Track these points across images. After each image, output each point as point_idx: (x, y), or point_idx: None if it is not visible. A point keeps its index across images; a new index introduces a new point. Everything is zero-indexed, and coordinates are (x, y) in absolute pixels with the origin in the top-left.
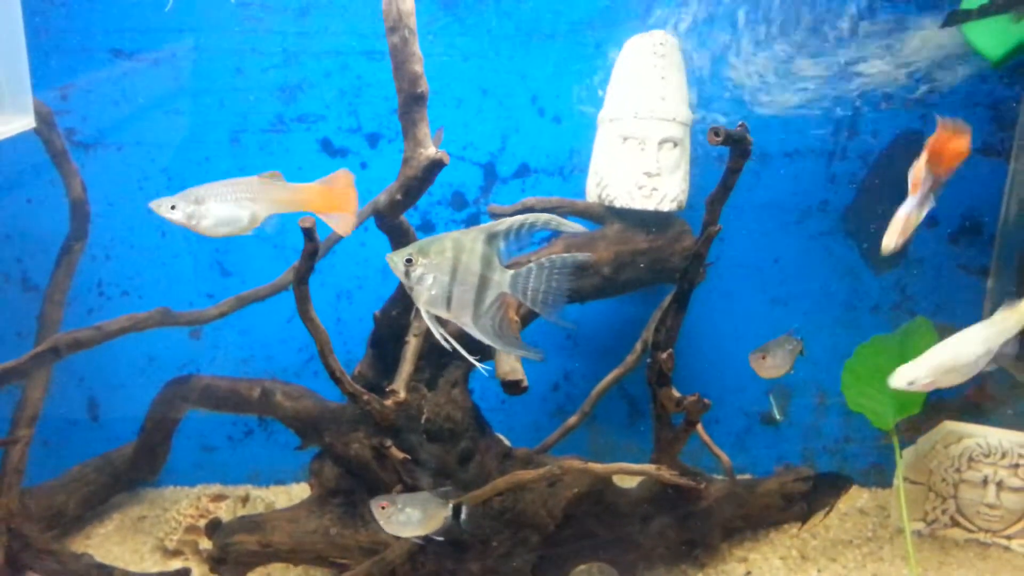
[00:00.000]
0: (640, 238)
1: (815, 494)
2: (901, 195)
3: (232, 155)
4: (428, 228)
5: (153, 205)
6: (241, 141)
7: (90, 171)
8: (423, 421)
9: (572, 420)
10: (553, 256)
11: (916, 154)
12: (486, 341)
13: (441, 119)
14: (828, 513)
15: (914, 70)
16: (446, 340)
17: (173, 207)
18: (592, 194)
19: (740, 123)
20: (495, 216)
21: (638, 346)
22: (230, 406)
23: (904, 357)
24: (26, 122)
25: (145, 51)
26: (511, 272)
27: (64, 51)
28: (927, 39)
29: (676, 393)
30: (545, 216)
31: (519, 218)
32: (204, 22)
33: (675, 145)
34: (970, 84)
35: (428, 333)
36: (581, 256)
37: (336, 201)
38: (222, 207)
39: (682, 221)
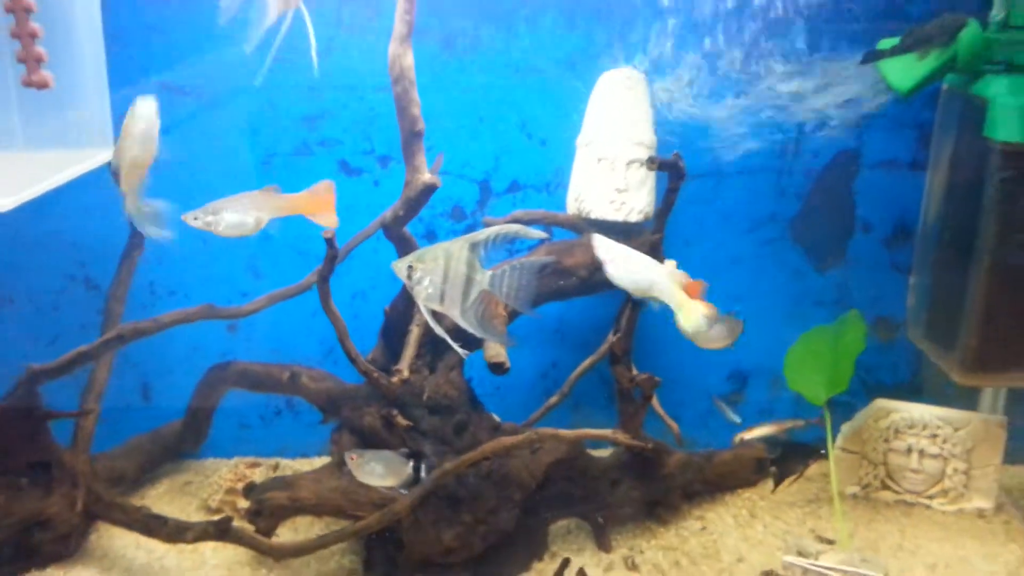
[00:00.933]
0: None
1: (785, 461)
2: (839, 206)
3: (264, 174)
4: (431, 236)
5: (184, 217)
6: (272, 163)
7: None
8: (424, 398)
9: (553, 399)
10: (523, 260)
11: (852, 171)
12: (471, 330)
13: (442, 143)
14: (797, 479)
15: (849, 97)
16: (439, 330)
17: (195, 218)
18: (571, 207)
19: (675, 152)
20: (489, 226)
21: (611, 336)
22: (264, 387)
23: (837, 345)
24: (109, 153)
25: (192, 87)
26: (491, 273)
27: (122, 84)
28: (860, 70)
29: (632, 371)
30: (514, 227)
31: (494, 229)
32: (242, 63)
33: (641, 165)
34: (898, 108)
35: (428, 325)
36: (544, 259)
37: (319, 205)
38: (233, 215)
39: (647, 230)
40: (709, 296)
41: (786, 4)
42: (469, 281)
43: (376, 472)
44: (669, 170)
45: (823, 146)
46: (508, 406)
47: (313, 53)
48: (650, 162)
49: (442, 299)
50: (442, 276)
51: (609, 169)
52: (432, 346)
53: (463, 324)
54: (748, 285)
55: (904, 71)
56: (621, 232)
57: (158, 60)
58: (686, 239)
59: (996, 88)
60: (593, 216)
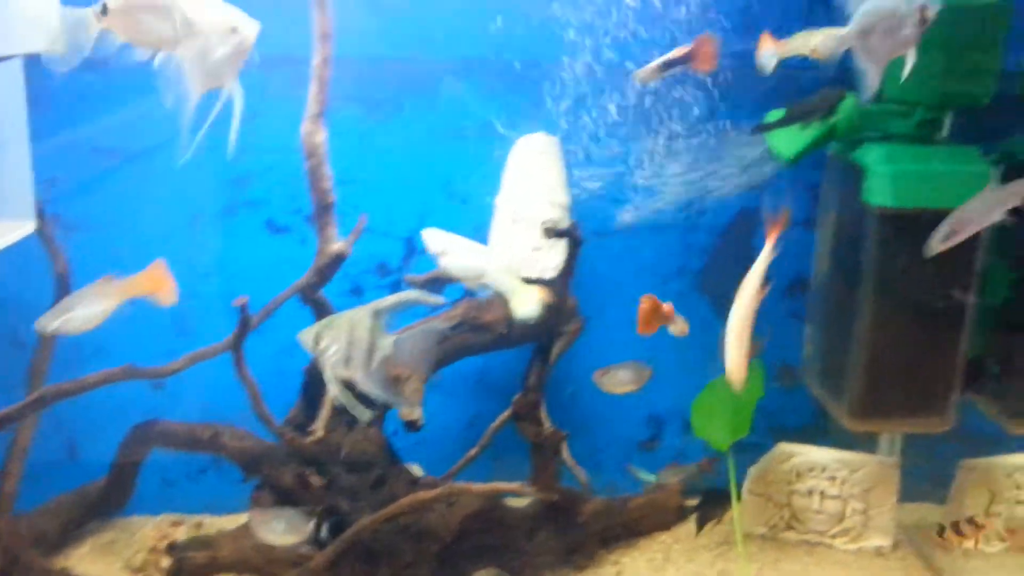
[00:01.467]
0: None
1: (706, 506)
2: (742, 259)
3: (190, 235)
4: (358, 292)
5: (37, 324)
6: (198, 222)
7: (72, 250)
8: (342, 455)
9: (472, 451)
10: (426, 324)
11: (752, 227)
12: (375, 394)
13: (368, 203)
14: (718, 523)
15: (750, 161)
16: (342, 397)
17: (49, 323)
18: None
19: (571, 221)
20: (411, 284)
21: (518, 396)
22: (187, 446)
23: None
24: (29, 227)
25: (121, 149)
26: (393, 338)
27: (51, 147)
28: (756, 137)
29: (541, 425)
30: (415, 294)
31: (393, 298)
32: (170, 126)
33: (555, 224)
34: (793, 171)
35: (348, 384)
36: (443, 325)
37: (157, 284)
38: (83, 311)
39: (565, 285)
40: (629, 343)
41: (687, 74)
42: (372, 347)
43: (277, 530)
44: (566, 237)
45: (727, 204)
46: (433, 458)
47: (233, 135)
48: (547, 231)
49: (347, 364)
50: (347, 343)
51: (524, 229)
52: None
53: (367, 389)
54: (662, 335)
55: (789, 140)
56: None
57: (83, 122)
58: (606, 292)
59: (872, 156)
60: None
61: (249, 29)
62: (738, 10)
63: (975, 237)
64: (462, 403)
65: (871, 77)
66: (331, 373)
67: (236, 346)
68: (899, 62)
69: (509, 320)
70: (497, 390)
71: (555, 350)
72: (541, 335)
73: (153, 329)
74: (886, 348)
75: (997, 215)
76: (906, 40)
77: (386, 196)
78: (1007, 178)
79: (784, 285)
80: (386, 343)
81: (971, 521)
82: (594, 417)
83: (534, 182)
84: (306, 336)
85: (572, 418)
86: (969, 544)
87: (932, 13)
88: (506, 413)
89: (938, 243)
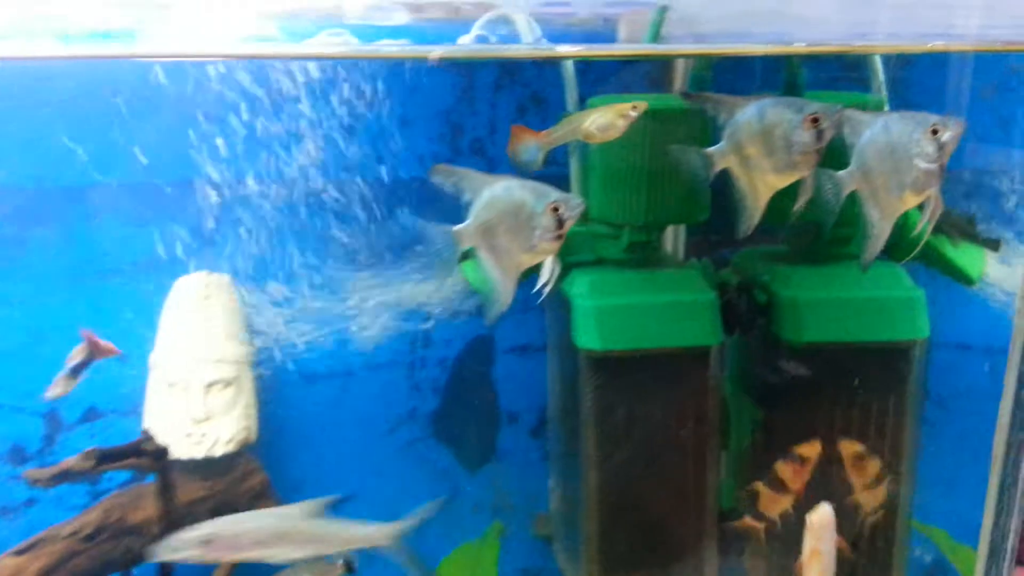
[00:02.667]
0: (197, 486)
1: None
2: (479, 396)
3: None
4: None
5: None
6: None
7: None
8: None
9: None
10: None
11: (488, 357)
12: None
13: None
14: None
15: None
16: None
17: None
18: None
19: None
20: (35, 482)
21: None
22: None
23: (481, 560)
24: None
25: None
26: None
27: None
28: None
29: None
30: None
31: None
32: None
33: (227, 385)
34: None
35: None
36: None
37: None
38: None
39: (249, 459)
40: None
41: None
42: None
43: None
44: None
45: (454, 334)
46: None
47: None
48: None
49: None
50: None
51: (183, 395)
52: None
53: None
54: (394, 494)
55: (482, 273)
56: (212, 467)
57: None
58: (318, 453)
59: (576, 287)
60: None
61: None
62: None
63: (708, 373)
64: None
65: None
66: None
67: None
68: (596, 177)
69: (168, 517)
70: None
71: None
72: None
73: None
74: (617, 516)
75: None
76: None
77: (17, 359)
78: (724, 312)
79: (532, 424)
80: None
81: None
82: None
83: (194, 334)
84: None
85: None
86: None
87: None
88: None
89: None
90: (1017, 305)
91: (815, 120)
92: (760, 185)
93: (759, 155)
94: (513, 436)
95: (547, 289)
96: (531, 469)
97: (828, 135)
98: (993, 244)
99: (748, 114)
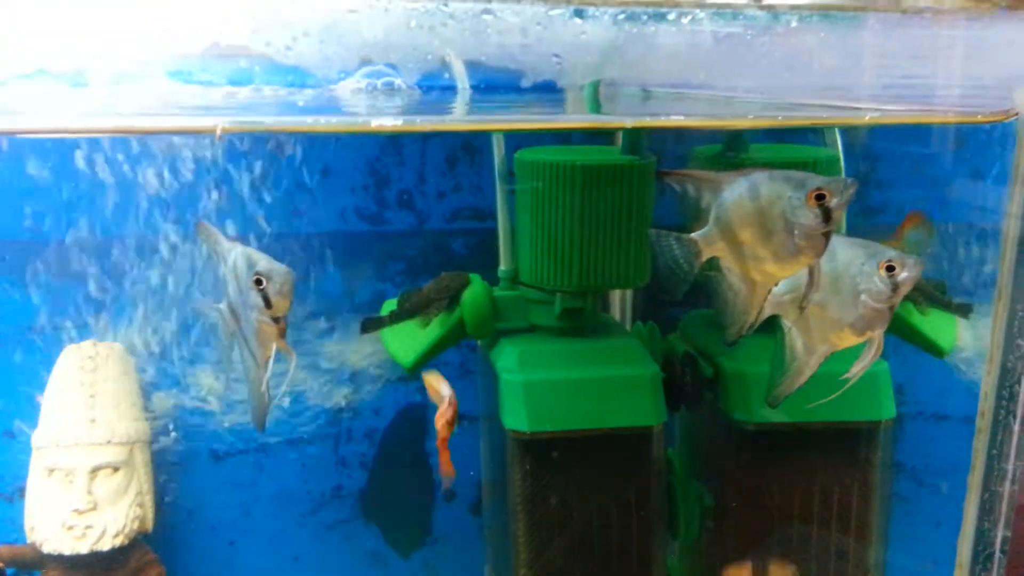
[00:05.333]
0: None
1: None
2: (412, 472)
3: None
4: None
5: None
6: None
7: None
8: None
9: None
10: None
11: (421, 429)
12: None
13: None
14: None
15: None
16: None
17: None
18: (29, 536)
19: None
20: None
21: None
22: None
23: None
24: None
25: None
26: None
27: None
28: None
29: None
30: None
31: None
32: None
33: (116, 470)
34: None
35: None
36: None
37: None
38: None
39: (145, 550)
40: None
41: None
42: None
43: None
44: None
45: (384, 401)
46: None
47: None
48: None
49: None
50: None
51: (65, 483)
52: None
53: None
54: None
55: (408, 341)
56: (100, 561)
57: None
58: (229, 539)
59: (505, 359)
60: (46, 550)
61: None
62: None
63: (651, 456)
64: None
65: None
66: None
67: None
68: (526, 237)
69: None
70: None
71: None
72: None
73: None
74: None
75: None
76: None
77: None
78: (668, 387)
79: (471, 500)
80: None
81: None
82: None
83: (72, 414)
84: None
85: None
86: None
87: None
88: None
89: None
90: (985, 367)
91: (820, 196)
92: (757, 276)
93: (754, 240)
94: (450, 514)
95: None
96: (470, 550)
97: (838, 215)
98: (964, 310)
99: (738, 191)
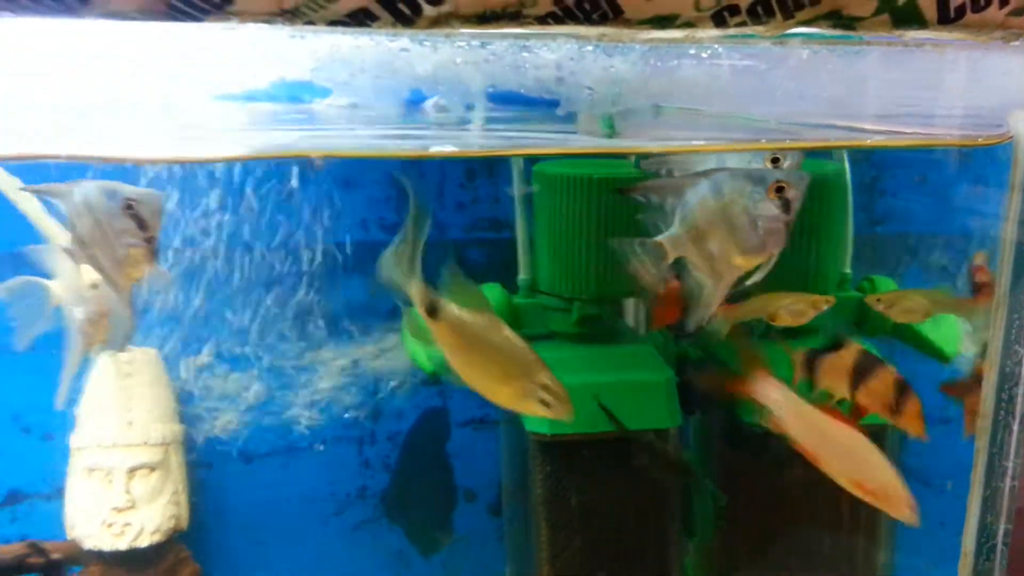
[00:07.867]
0: None
1: None
2: (433, 474)
3: None
4: None
5: None
6: None
7: None
8: None
9: None
10: None
11: (443, 432)
12: None
13: None
14: None
15: None
16: None
17: None
18: (69, 532)
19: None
20: None
21: None
22: None
23: None
24: None
25: None
26: None
27: None
28: None
29: None
30: None
31: None
32: None
33: (152, 470)
34: None
35: None
36: None
37: None
38: None
39: (180, 547)
40: None
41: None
42: None
43: None
44: None
45: (406, 405)
46: None
47: None
48: None
49: None
50: None
51: (105, 482)
52: None
53: None
54: None
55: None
56: (137, 558)
57: None
58: (257, 539)
59: None
60: (88, 546)
61: None
62: None
63: (667, 457)
64: None
65: None
66: None
67: None
68: (544, 247)
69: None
70: None
71: None
72: None
73: None
74: None
75: None
76: None
77: None
78: (683, 391)
79: (491, 501)
80: None
81: None
82: None
83: (110, 417)
84: None
85: None
86: None
87: None
88: None
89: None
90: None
91: (780, 189)
92: (725, 270)
93: (721, 236)
94: (471, 515)
95: None
96: (491, 550)
97: (796, 205)
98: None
99: (702, 192)
